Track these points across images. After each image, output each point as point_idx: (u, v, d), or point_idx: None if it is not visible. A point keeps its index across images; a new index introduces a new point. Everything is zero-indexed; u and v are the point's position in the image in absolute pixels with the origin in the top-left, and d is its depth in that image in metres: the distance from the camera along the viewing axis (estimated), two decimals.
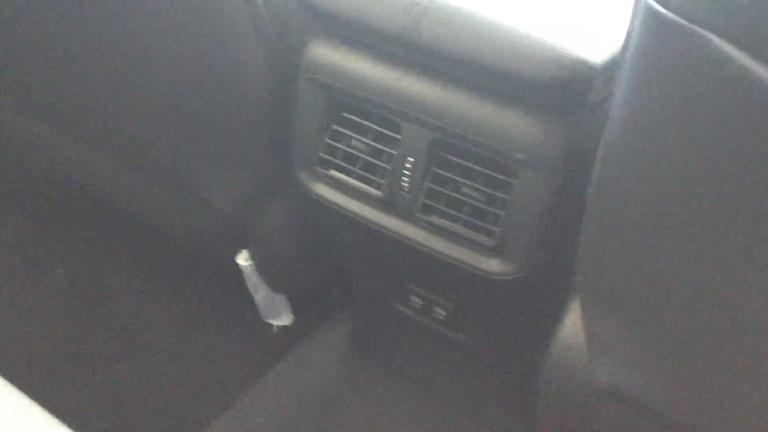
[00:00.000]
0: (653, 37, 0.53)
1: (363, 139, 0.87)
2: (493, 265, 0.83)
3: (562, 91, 0.71)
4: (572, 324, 0.77)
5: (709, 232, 0.57)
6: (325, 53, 0.86)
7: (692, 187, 0.56)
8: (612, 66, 0.71)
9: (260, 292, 1.18)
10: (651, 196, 0.60)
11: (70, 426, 0.75)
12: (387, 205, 0.88)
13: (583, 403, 0.77)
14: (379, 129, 0.86)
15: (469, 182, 0.82)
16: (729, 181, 0.53)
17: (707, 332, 0.63)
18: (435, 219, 0.85)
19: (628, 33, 0.58)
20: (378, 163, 0.87)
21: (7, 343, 1.24)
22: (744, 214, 0.54)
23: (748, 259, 0.56)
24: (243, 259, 1.10)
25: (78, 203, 1.42)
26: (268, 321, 1.24)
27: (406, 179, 0.85)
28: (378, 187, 0.87)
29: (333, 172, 0.90)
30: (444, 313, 1.02)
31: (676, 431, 0.72)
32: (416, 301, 1.04)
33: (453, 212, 0.83)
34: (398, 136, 0.84)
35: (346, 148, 0.89)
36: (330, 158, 0.90)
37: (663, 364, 0.70)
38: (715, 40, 0.47)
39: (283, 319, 1.24)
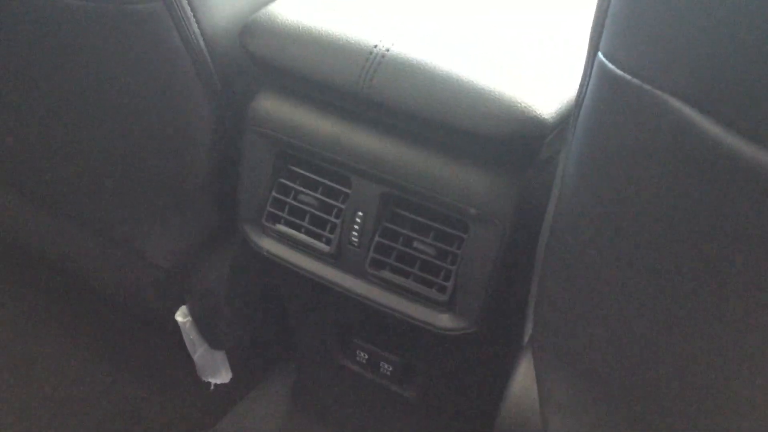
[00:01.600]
0: (606, 93, 0.54)
1: (311, 193, 0.86)
2: (444, 320, 0.82)
3: (515, 146, 0.71)
4: (523, 381, 0.77)
5: (664, 287, 0.58)
6: (273, 105, 0.85)
7: (646, 241, 0.57)
8: (563, 122, 0.72)
9: (198, 350, 1.14)
10: (604, 250, 0.60)
11: None
12: (336, 259, 0.86)
13: None
14: (328, 183, 0.85)
15: (420, 237, 0.81)
16: (683, 236, 0.54)
17: (667, 390, 0.63)
18: (385, 274, 0.83)
19: (581, 87, 0.59)
20: (327, 217, 0.86)
21: None
22: (700, 266, 0.55)
23: (708, 312, 0.56)
24: (181, 316, 1.07)
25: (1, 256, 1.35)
26: (206, 380, 1.20)
27: (355, 234, 0.84)
28: (327, 241, 0.86)
29: (280, 227, 0.89)
30: (391, 369, 1.00)
31: None
32: (362, 356, 1.02)
33: (404, 267, 0.82)
34: (348, 191, 0.83)
35: (294, 203, 0.87)
36: (277, 212, 0.88)
37: (620, 424, 0.69)
38: (668, 98, 0.48)
39: (221, 377, 1.20)
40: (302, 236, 0.87)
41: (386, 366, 1.00)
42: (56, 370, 1.25)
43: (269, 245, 0.90)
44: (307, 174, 0.86)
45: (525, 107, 0.70)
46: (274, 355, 1.25)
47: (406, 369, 0.99)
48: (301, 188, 0.86)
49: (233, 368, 1.19)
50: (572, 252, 0.63)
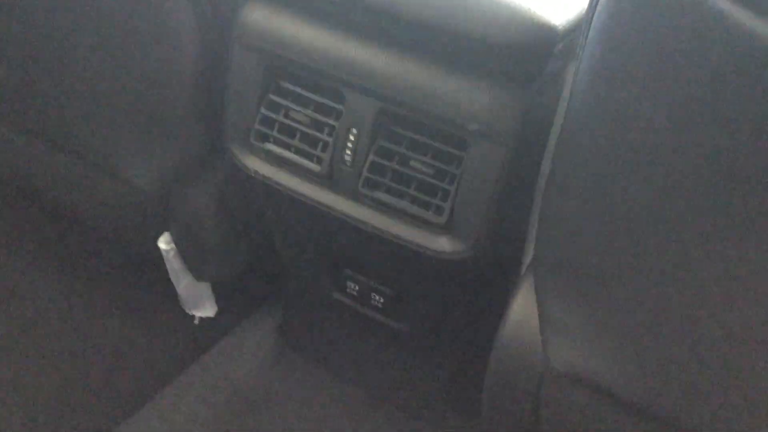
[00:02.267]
0: None
1: (302, 109, 0.81)
2: (442, 243, 0.78)
3: (522, 55, 0.67)
4: (523, 305, 0.73)
5: (676, 205, 0.55)
6: (261, 16, 0.80)
7: (662, 155, 0.54)
8: (573, 31, 0.68)
9: (182, 281, 1.10)
10: (614, 165, 0.57)
11: None
12: (328, 180, 0.82)
13: (536, 386, 0.73)
14: (320, 99, 0.80)
15: (417, 156, 0.77)
16: (703, 147, 0.51)
17: (668, 310, 0.61)
18: (380, 195, 0.79)
19: None
20: (319, 135, 0.81)
21: None
22: (716, 182, 0.52)
23: (716, 234, 0.54)
24: (164, 243, 1.02)
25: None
26: (190, 312, 1.16)
27: (348, 153, 0.79)
28: (318, 161, 0.82)
29: (269, 146, 0.84)
30: (382, 300, 0.96)
31: (635, 415, 0.69)
32: (353, 287, 0.98)
33: (400, 188, 0.78)
34: (341, 107, 0.79)
35: (284, 120, 0.82)
36: (266, 131, 0.83)
37: (623, 345, 0.66)
38: None
39: (206, 310, 1.16)
40: (292, 156, 0.83)
41: (377, 298, 0.97)
42: (35, 304, 1.20)
43: (257, 165, 0.85)
44: (298, 89, 0.81)
45: (534, 13, 0.66)
46: (261, 289, 1.22)
47: (397, 300, 0.95)
48: (292, 105, 0.82)
49: (219, 302, 1.15)
50: (579, 169, 0.60)
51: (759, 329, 0.57)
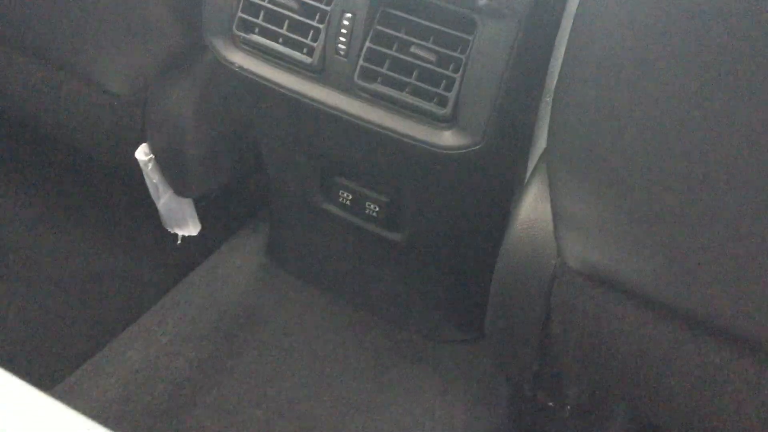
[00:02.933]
0: None
1: None
2: (446, 138, 0.72)
3: None
4: (534, 202, 0.68)
5: (692, 94, 0.51)
6: None
7: (679, 39, 0.49)
8: None
9: (162, 196, 1.03)
10: (632, 50, 0.52)
11: None
12: (319, 73, 0.75)
13: (548, 287, 0.68)
14: None
15: (418, 41, 0.70)
16: (723, 27, 0.46)
17: (688, 202, 0.56)
18: (377, 87, 0.73)
19: None
20: (309, 22, 0.74)
21: None
22: (731, 70, 0.47)
23: (730, 127, 0.50)
24: (142, 154, 0.95)
25: None
26: (172, 231, 1.09)
27: (342, 40, 0.72)
28: (308, 52, 0.75)
29: (254, 36, 0.77)
30: (377, 209, 0.91)
31: (652, 311, 0.65)
32: (345, 196, 0.92)
33: (399, 78, 0.72)
34: None
35: (270, 5, 0.75)
36: (250, 18, 0.76)
37: (640, 238, 0.62)
38: None
39: (189, 229, 1.10)
40: (280, 46, 0.76)
41: (372, 206, 0.91)
42: (12, 228, 1.13)
43: (241, 59, 0.78)
44: None
45: None
46: (247, 205, 1.15)
47: (395, 207, 0.90)
48: None
49: (202, 221, 1.09)
50: (595, 51, 0.54)
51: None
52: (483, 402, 0.96)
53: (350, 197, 0.92)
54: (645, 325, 0.66)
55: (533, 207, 0.68)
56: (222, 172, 1.02)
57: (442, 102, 0.71)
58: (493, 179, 0.78)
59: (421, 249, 0.93)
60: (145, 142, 0.95)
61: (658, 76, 0.52)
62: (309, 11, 0.74)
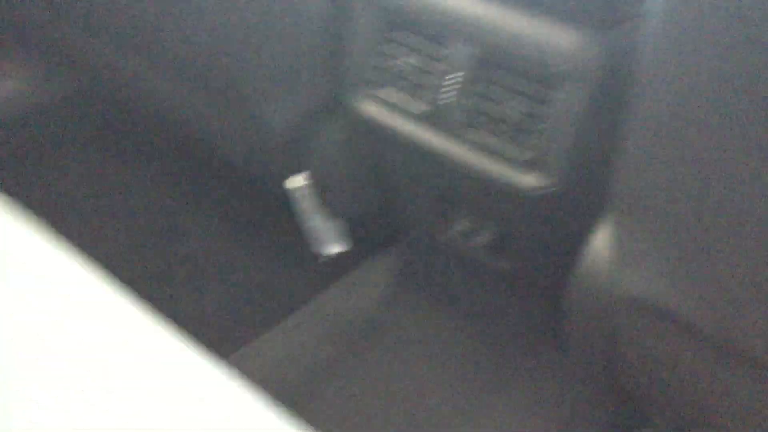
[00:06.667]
0: None
1: (411, 58, 0.90)
2: (530, 180, 0.85)
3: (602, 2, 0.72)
4: (602, 238, 0.79)
5: (753, 151, 0.58)
6: None
7: (734, 105, 0.57)
8: None
9: (313, 219, 1.22)
10: (692, 110, 0.61)
11: None
12: (431, 120, 0.90)
13: (607, 313, 0.78)
14: (427, 45, 0.89)
15: (510, 97, 0.84)
16: None
17: (740, 250, 0.64)
18: (476, 134, 0.87)
19: None
20: (425, 81, 0.90)
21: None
22: None
23: None
24: (297, 181, 1.15)
25: (151, 133, 1.50)
26: (317, 251, 1.28)
27: (450, 95, 0.87)
28: (423, 104, 0.90)
29: (380, 91, 0.94)
30: (484, 240, 1.04)
31: (701, 341, 0.73)
32: (458, 227, 1.06)
33: (494, 127, 0.85)
34: (445, 52, 0.87)
35: (394, 66, 0.92)
36: (378, 78, 0.93)
37: (690, 273, 0.70)
38: None
39: (333, 248, 1.28)
40: (400, 98, 0.92)
41: (479, 238, 1.04)
42: (188, 240, 1.38)
43: (370, 109, 0.95)
44: (409, 39, 0.90)
45: None
46: (383, 232, 1.32)
47: (498, 239, 1.02)
48: (402, 54, 0.91)
49: (346, 242, 1.27)
50: (660, 111, 0.64)
51: None
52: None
53: (460, 229, 1.06)
54: (696, 354, 0.75)
55: (600, 242, 0.79)
56: (364, 200, 1.20)
57: (529, 149, 0.84)
58: (571, 215, 0.89)
59: (522, 276, 1.05)
60: (299, 171, 1.15)
61: (710, 141, 0.61)
62: (425, 72, 0.90)
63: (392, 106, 0.93)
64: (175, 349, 0.58)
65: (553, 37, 0.78)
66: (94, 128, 1.61)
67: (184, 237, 1.41)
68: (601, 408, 1.06)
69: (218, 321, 1.23)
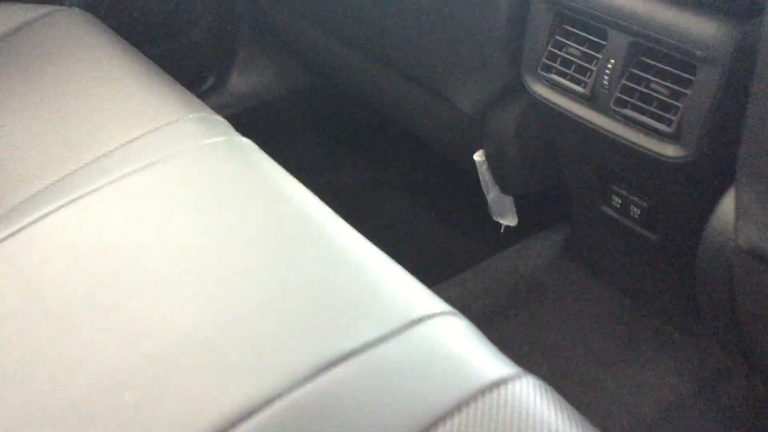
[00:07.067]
0: None
1: (577, 46, 1.07)
2: (670, 150, 0.99)
3: None
4: (728, 200, 0.91)
5: None
6: None
7: None
8: None
9: (491, 191, 1.42)
10: None
11: None
12: (590, 101, 1.07)
13: (729, 265, 0.90)
14: (590, 37, 1.06)
15: (657, 80, 0.99)
16: None
17: None
18: (627, 111, 1.03)
19: None
20: (587, 66, 1.07)
21: None
22: None
23: None
24: (478, 156, 1.35)
25: (365, 117, 1.78)
26: (496, 220, 1.47)
27: (606, 78, 1.04)
28: (584, 86, 1.07)
29: (551, 75, 1.12)
30: (639, 212, 1.18)
31: None
32: (616, 200, 1.21)
33: (642, 105, 1.01)
34: (604, 42, 1.03)
35: (564, 54, 1.09)
36: (550, 63, 1.11)
37: None
38: None
39: (509, 220, 1.46)
40: (566, 82, 1.10)
41: (635, 210, 1.18)
42: (387, 214, 1.63)
43: (542, 90, 1.14)
44: (576, 30, 1.07)
45: None
46: (554, 208, 1.49)
47: (652, 211, 1.16)
48: (571, 43, 1.08)
49: (520, 215, 1.45)
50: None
51: None
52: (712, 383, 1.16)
53: (619, 201, 1.20)
54: None
55: (728, 206, 0.92)
56: (537, 177, 1.37)
57: (670, 124, 0.98)
58: (709, 186, 1.02)
59: (672, 247, 1.17)
60: (481, 148, 1.35)
61: None
62: (588, 58, 1.06)
63: (561, 88, 1.11)
64: None
65: (695, 27, 0.92)
66: (322, 116, 1.92)
67: (383, 207, 1.66)
68: (736, 374, 1.16)
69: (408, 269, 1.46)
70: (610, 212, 1.24)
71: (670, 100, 0.98)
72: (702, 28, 0.92)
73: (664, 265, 1.22)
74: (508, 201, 1.45)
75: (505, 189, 1.40)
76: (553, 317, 1.30)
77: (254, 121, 1.87)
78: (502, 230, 1.49)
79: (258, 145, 1.08)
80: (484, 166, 1.37)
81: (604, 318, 1.28)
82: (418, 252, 1.53)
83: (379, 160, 1.75)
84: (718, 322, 1.01)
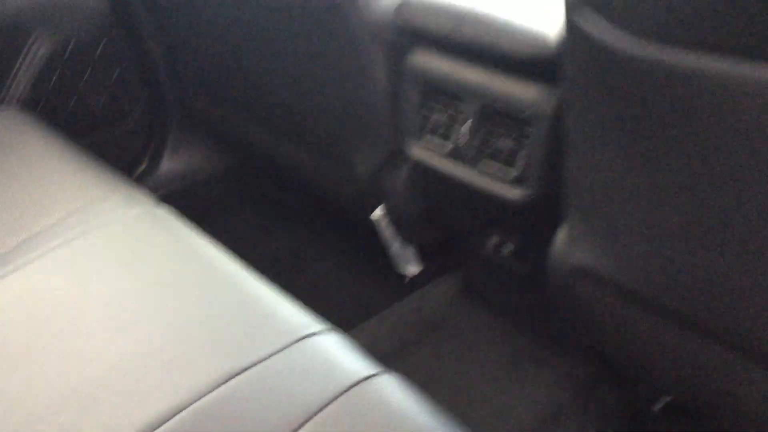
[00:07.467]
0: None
1: (442, 113, 1.29)
2: (518, 192, 1.20)
3: (537, 63, 1.09)
4: (564, 232, 1.12)
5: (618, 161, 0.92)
6: (422, 59, 1.30)
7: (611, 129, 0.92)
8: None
9: (393, 245, 1.61)
10: (596, 138, 0.95)
11: None
12: (455, 157, 1.28)
13: (568, 282, 1.10)
14: (451, 104, 1.28)
15: (503, 135, 1.21)
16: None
17: (670, 228, 0.87)
18: (484, 162, 1.24)
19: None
20: (450, 128, 1.28)
21: None
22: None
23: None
24: (376, 215, 1.55)
25: (281, 190, 1.98)
26: (400, 271, 1.66)
27: (466, 135, 1.25)
28: (451, 143, 1.29)
29: (423, 138, 1.33)
30: (510, 249, 1.38)
31: (632, 301, 1.03)
32: (493, 241, 1.41)
33: (495, 156, 1.22)
34: (461, 107, 1.25)
35: (432, 120, 1.31)
36: (422, 128, 1.33)
37: (626, 246, 1.01)
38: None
39: (411, 269, 1.66)
40: (436, 142, 1.31)
41: (507, 248, 1.39)
42: (311, 267, 1.81)
43: (419, 152, 1.35)
44: (438, 99, 1.29)
45: (539, 33, 1.08)
46: (451, 255, 1.69)
47: (519, 248, 1.36)
48: (437, 110, 1.30)
49: (420, 263, 1.65)
50: (581, 140, 0.99)
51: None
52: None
53: (495, 242, 1.41)
54: (627, 311, 1.05)
55: (565, 233, 1.12)
56: (433, 227, 1.57)
57: (517, 171, 1.19)
58: (552, 220, 1.22)
59: (539, 277, 1.37)
60: (379, 205, 1.55)
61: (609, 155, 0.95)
62: (451, 121, 1.28)
63: (431, 149, 1.32)
64: None
65: (522, 92, 1.14)
66: (252, 190, 2.12)
67: (307, 269, 1.84)
68: (603, 380, 1.35)
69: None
70: (490, 253, 1.44)
71: (515, 151, 1.19)
72: (527, 93, 1.14)
73: (536, 292, 1.42)
74: (410, 251, 1.64)
75: (405, 240, 1.60)
76: (452, 348, 1.48)
77: (187, 200, 2.05)
78: (407, 281, 1.68)
79: (192, 222, 1.26)
80: (383, 223, 1.57)
81: (494, 344, 1.47)
82: (338, 304, 1.71)
83: (305, 226, 1.95)
84: (577, 335, 1.21)
